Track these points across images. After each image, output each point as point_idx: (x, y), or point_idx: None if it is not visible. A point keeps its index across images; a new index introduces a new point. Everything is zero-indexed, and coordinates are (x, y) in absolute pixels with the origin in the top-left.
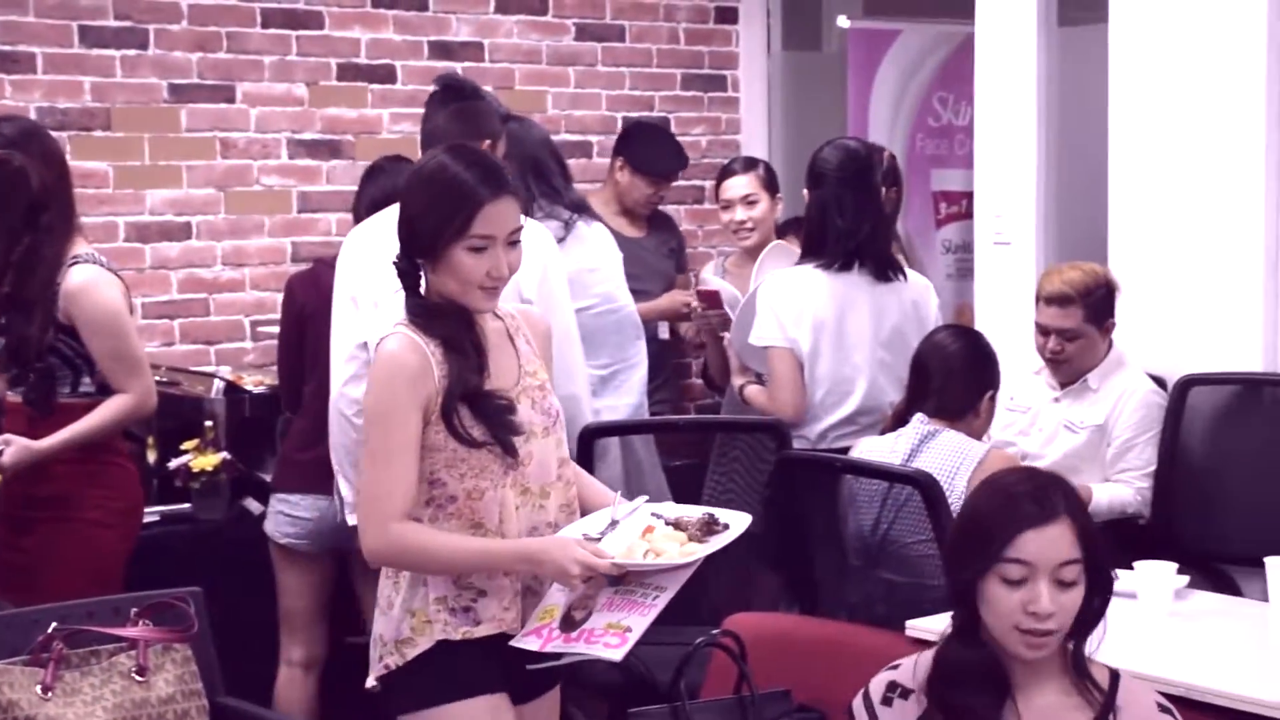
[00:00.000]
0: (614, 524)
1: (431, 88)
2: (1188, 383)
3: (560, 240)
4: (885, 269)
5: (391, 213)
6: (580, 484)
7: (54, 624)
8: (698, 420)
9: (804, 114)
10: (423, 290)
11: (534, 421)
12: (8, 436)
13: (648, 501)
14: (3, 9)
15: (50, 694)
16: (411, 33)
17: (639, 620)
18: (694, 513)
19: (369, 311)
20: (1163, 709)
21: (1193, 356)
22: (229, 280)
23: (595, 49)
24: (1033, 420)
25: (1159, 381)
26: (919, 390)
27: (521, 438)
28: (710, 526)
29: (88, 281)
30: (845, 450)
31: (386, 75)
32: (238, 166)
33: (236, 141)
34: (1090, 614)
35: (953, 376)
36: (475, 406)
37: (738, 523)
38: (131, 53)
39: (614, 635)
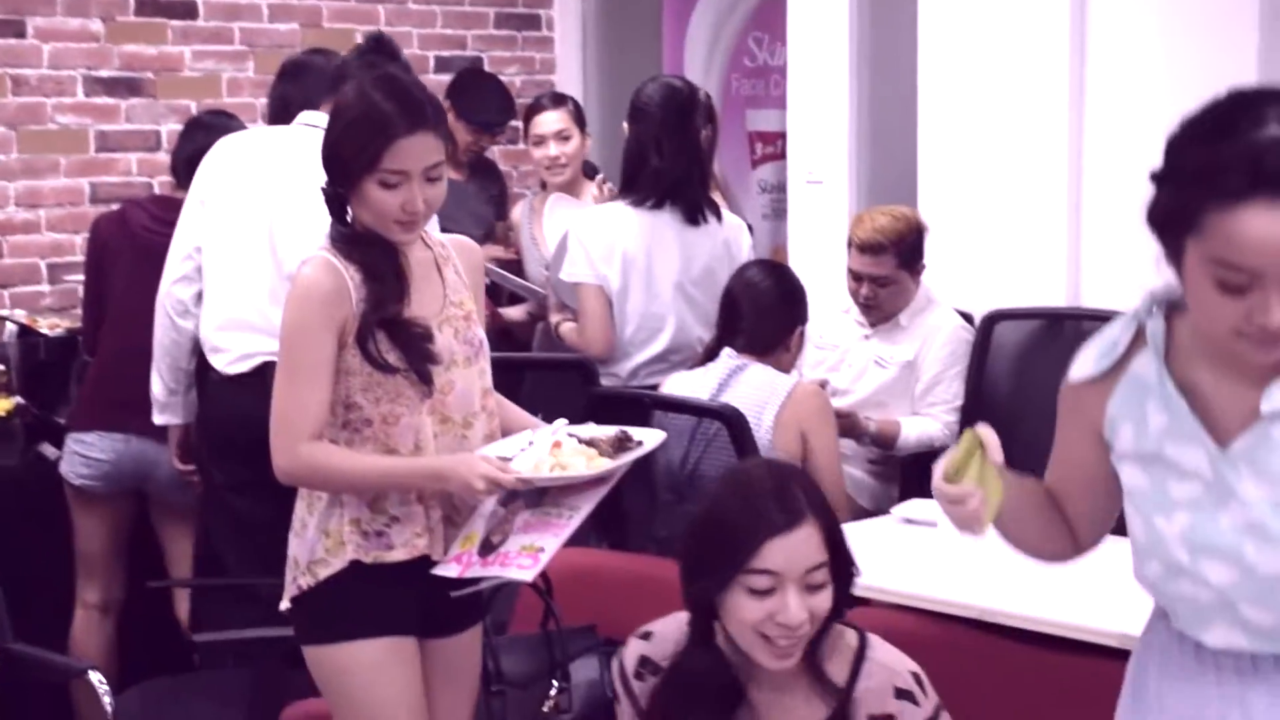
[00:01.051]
0: (531, 445)
1: (234, 24)
2: (993, 318)
3: None
4: (696, 212)
5: (268, 131)
6: (504, 413)
7: None
8: (504, 359)
9: (619, 55)
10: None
11: (455, 351)
12: None
13: (569, 424)
14: None
15: None
16: None
17: (551, 540)
18: (609, 431)
19: (214, 216)
20: (901, 693)
21: (999, 293)
22: (23, 222)
23: None
24: (842, 357)
25: (966, 318)
26: (728, 325)
27: (441, 366)
28: (622, 443)
29: None
30: (656, 388)
31: (187, 11)
32: (30, 104)
33: (29, 79)
34: (833, 610)
35: (762, 311)
36: (392, 333)
37: (650, 439)
38: None
39: (527, 556)
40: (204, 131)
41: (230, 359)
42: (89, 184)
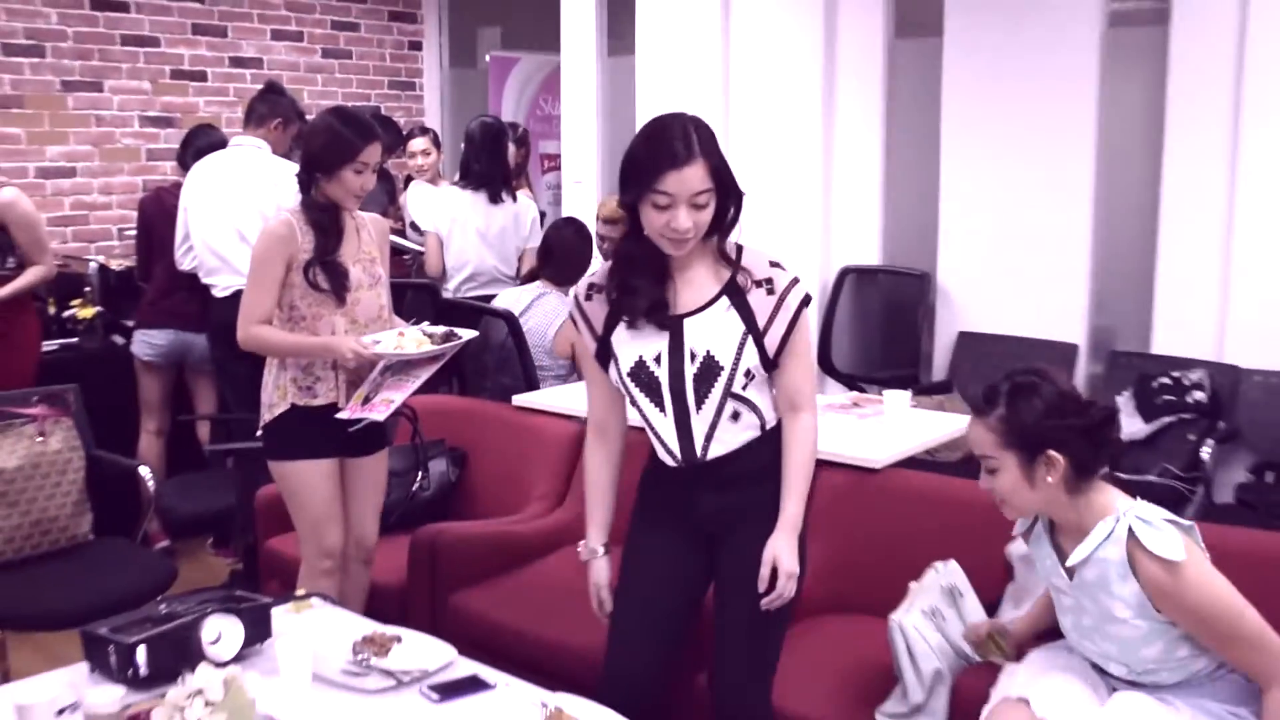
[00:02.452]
0: (401, 337)
1: (229, 84)
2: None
3: None
4: (497, 195)
5: (216, 159)
6: (393, 321)
7: None
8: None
9: (463, 107)
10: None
11: (362, 280)
12: None
13: (426, 325)
14: None
15: None
16: (218, 50)
17: (399, 395)
18: (441, 330)
19: (195, 213)
20: (773, 264)
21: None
22: (102, 202)
23: (334, 64)
24: None
25: None
26: (543, 261)
27: (352, 289)
28: (448, 336)
29: (14, 197)
30: (480, 298)
31: (200, 76)
32: (106, 132)
33: (105, 116)
34: (728, 218)
35: (567, 254)
36: (325, 267)
37: (466, 335)
38: (36, 60)
39: (383, 405)
40: (198, 135)
41: (219, 290)
42: (141, 180)
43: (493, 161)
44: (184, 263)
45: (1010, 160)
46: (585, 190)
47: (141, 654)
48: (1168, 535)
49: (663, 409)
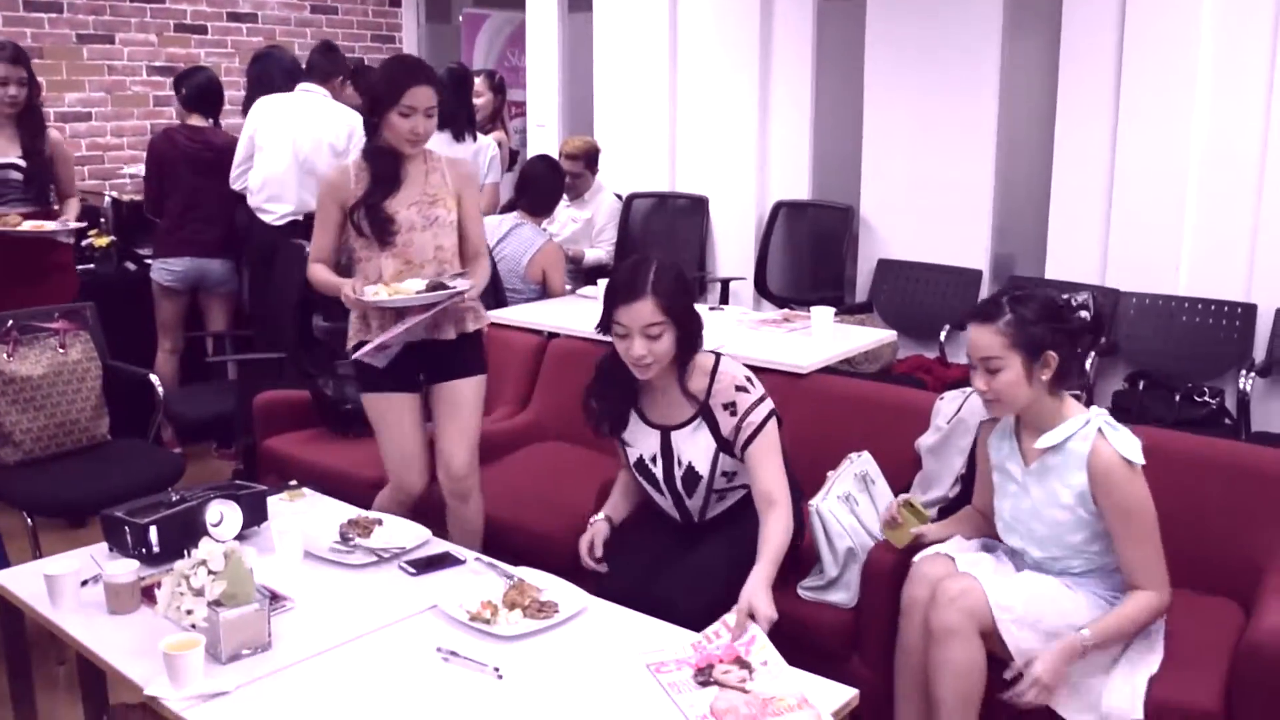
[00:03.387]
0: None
1: (227, 37)
2: (631, 198)
3: None
4: (462, 134)
5: (287, 95)
6: (456, 264)
7: (10, 321)
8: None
9: (438, 59)
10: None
11: (415, 222)
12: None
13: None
14: None
15: (10, 358)
16: (218, 6)
17: (385, 337)
18: (437, 280)
19: (261, 141)
20: (739, 388)
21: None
22: (115, 144)
23: (322, 19)
24: (554, 217)
25: (618, 196)
26: (519, 193)
27: (400, 232)
28: (438, 286)
29: (59, 137)
30: None
31: (201, 30)
32: (119, 80)
33: (116, 66)
34: (688, 346)
35: (539, 186)
36: (369, 210)
37: (460, 284)
38: (54, 15)
39: (381, 342)
40: (194, 74)
41: (274, 217)
42: (149, 124)
43: (457, 104)
44: (236, 183)
45: (924, 107)
46: (548, 133)
47: (153, 534)
48: (1132, 441)
49: (662, 495)
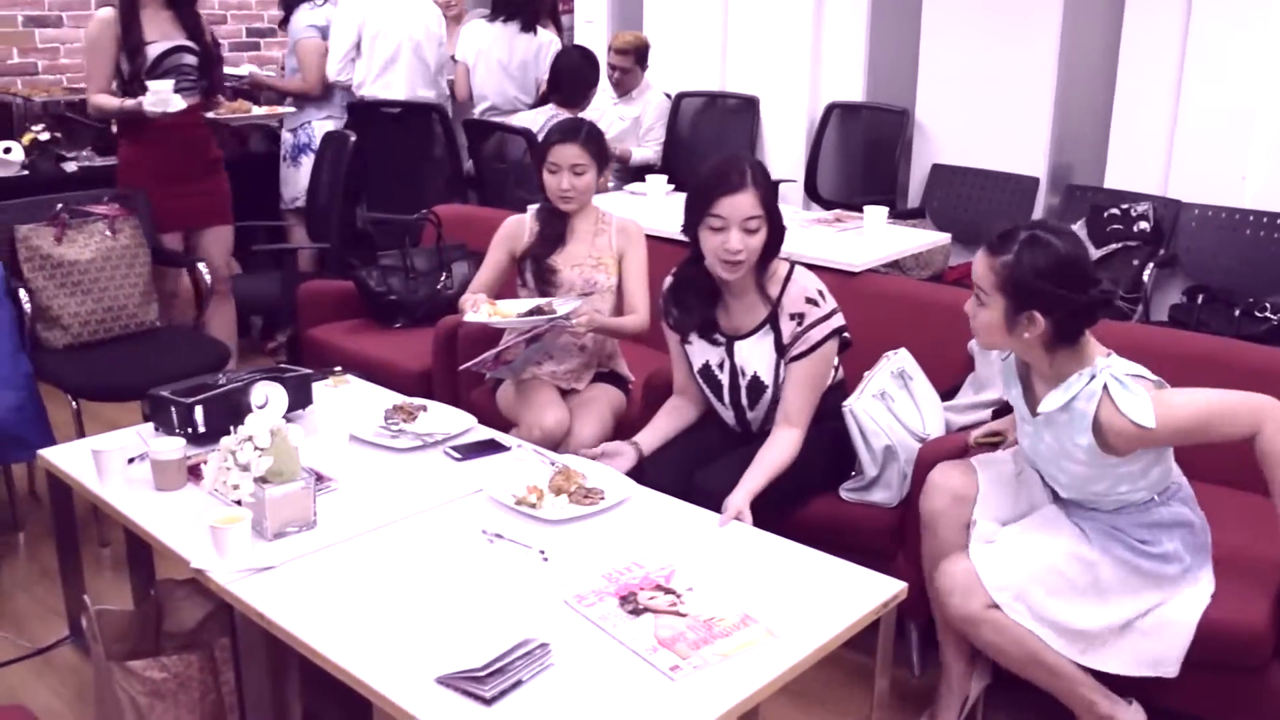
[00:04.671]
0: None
1: None
2: (680, 96)
3: None
4: (531, 24)
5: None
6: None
7: (58, 204)
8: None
9: None
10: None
11: (576, 284)
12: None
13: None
14: None
15: (59, 242)
16: None
17: (487, 354)
18: (542, 302)
19: (371, 25)
20: (810, 300)
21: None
22: None
23: None
24: (601, 114)
25: (667, 94)
26: (553, 86)
27: (559, 288)
28: (537, 310)
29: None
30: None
31: None
32: None
33: None
34: (770, 249)
35: (574, 77)
36: (535, 263)
37: (561, 309)
38: None
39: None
40: None
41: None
42: None
43: None
44: (342, 74)
45: (984, 7)
46: (596, 29)
47: (199, 413)
48: (1140, 398)
49: (724, 403)
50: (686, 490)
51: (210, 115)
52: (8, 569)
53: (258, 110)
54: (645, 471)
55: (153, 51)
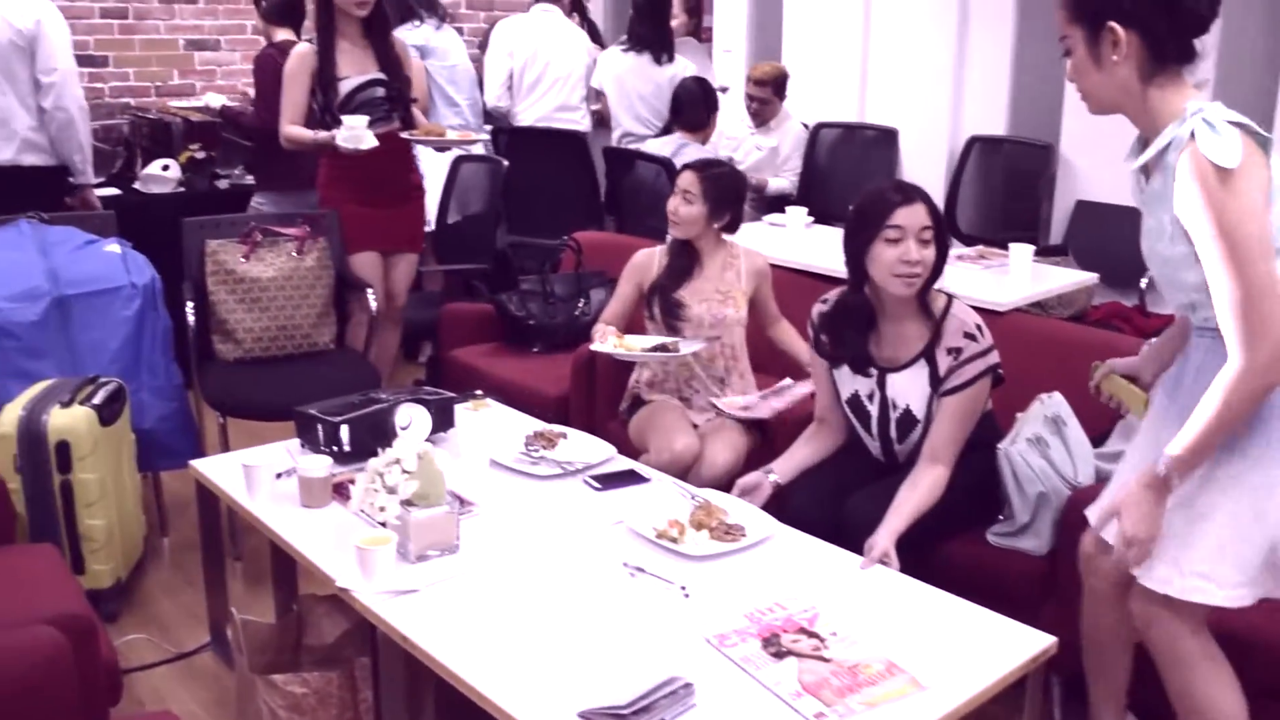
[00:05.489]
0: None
1: None
2: (819, 127)
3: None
4: (659, 57)
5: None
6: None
7: (252, 223)
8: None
9: None
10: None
11: (704, 320)
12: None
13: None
14: None
15: (247, 260)
16: None
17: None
18: (666, 340)
19: (535, 58)
20: (968, 334)
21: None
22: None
23: None
24: (739, 144)
25: (805, 126)
26: (675, 114)
27: (687, 323)
28: (662, 347)
29: (404, 45)
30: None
31: None
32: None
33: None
34: (939, 267)
35: (694, 104)
36: (662, 296)
37: (685, 348)
38: None
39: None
40: None
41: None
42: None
43: (655, 27)
44: (501, 102)
45: None
46: (734, 59)
47: (344, 432)
48: (1228, 139)
49: (870, 434)
50: (835, 519)
51: (405, 135)
52: (154, 573)
53: (451, 134)
54: (788, 500)
55: (345, 87)
